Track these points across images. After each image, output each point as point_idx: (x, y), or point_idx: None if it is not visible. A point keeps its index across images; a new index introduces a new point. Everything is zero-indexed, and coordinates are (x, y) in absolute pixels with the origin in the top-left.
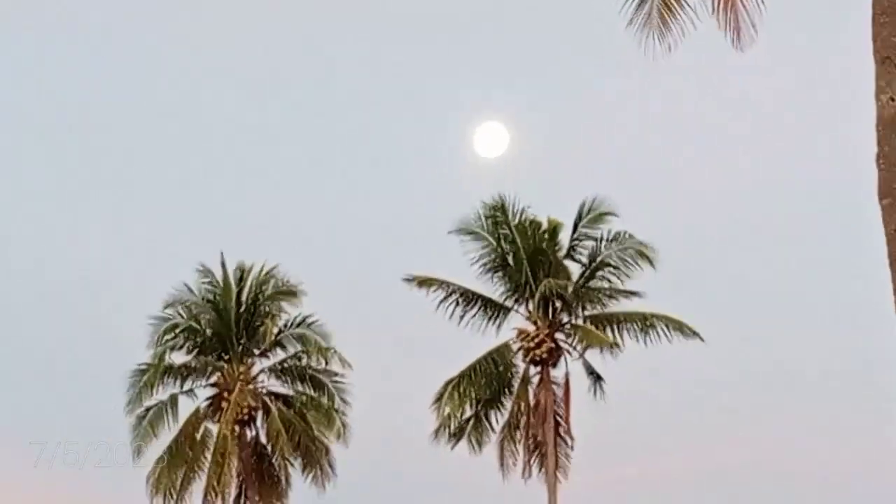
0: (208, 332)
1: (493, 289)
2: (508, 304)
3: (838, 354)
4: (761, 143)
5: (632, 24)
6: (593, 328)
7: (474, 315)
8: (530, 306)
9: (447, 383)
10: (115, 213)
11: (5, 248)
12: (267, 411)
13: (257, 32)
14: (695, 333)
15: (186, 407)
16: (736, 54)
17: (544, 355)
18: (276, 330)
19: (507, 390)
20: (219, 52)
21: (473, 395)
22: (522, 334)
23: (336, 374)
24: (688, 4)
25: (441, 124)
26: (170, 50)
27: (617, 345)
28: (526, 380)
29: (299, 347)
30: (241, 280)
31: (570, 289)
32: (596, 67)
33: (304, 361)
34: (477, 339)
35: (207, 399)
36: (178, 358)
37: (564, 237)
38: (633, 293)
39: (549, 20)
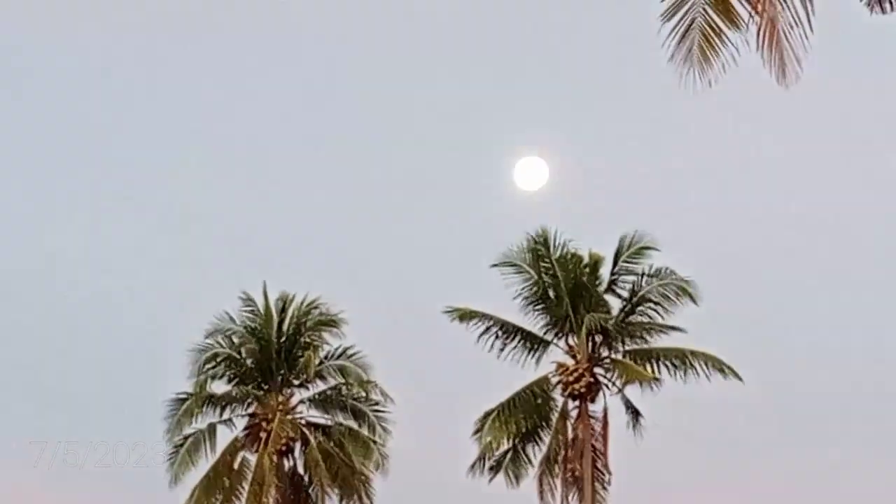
0: (249, 361)
1: (533, 322)
2: (548, 337)
3: (882, 395)
4: (806, 171)
5: (673, 59)
6: (633, 363)
7: (514, 348)
8: (570, 340)
9: (486, 414)
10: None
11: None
12: (305, 442)
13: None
14: (734, 373)
15: (224, 436)
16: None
17: (583, 390)
18: (317, 361)
19: (545, 424)
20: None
21: (512, 428)
22: (562, 368)
23: (376, 404)
24: (730, 41)
25: (483, 157)
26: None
27: (657, 380)
28: (564, 414)
29: (340, 378)
30: (283, 310)
31: (611, 323)
32: (637, 101)
33: (345, 392)
34: (516, 373)
35: (245, 429)
36: (218, 387)
37: (605, 271)
38: (674, 328)
39: (589, 56)
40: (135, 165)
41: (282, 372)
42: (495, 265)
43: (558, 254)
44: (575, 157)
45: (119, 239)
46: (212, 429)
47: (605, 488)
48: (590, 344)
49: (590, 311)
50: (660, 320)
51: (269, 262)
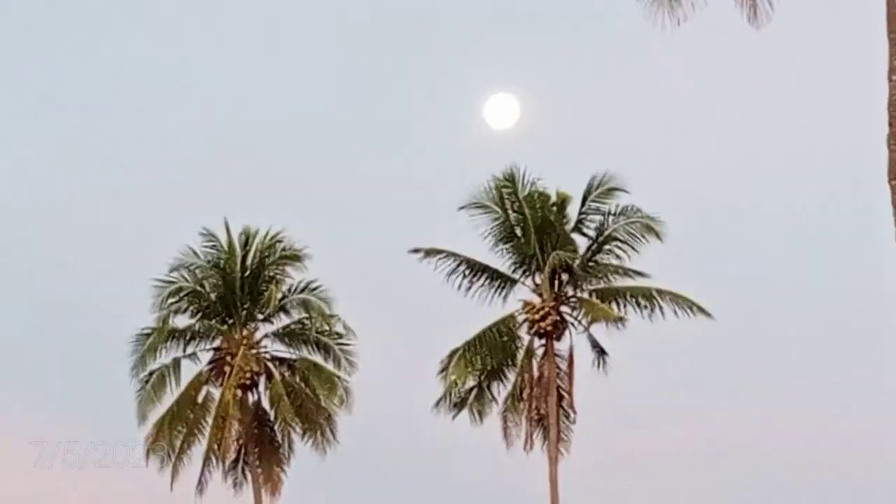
0: (212, 296)
1: (501, 261)
2: (515, 275)
3: (848, 334)
4: (776, 120)
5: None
6: (599, 302)
7: (481, 286)
8: (537, 279)
9: (452, 353)
10: (109, 182)
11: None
12: (269, 376)
13: None
14: (702, 310)
15: (189, 371)
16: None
17: (549, 328)
18: (280, 295)
19: (510, 362)
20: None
21: (477, 366)
22: (528, 306)
23: (340, 338)
24: None
25: (452, 95)
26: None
27: (623, 319)
28: (530, 352)
29: (303, 313)
30: (246, 244)
31: (578, 262)
32: (609, 42)
33: (309, 326)
34: (482, 311)
35: (210, 363)
36: (182, 322)
37: (573, 211)
38: (639, 273)
39: None
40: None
41: (245, 306)
42: (462, 207)
43: (525, 192)
44: (546, 95)
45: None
46: (176, 363)
47: (570, 427)
48: (556, 282)
49: (556, 250)
50: (626, 259)
51: (233, 199)
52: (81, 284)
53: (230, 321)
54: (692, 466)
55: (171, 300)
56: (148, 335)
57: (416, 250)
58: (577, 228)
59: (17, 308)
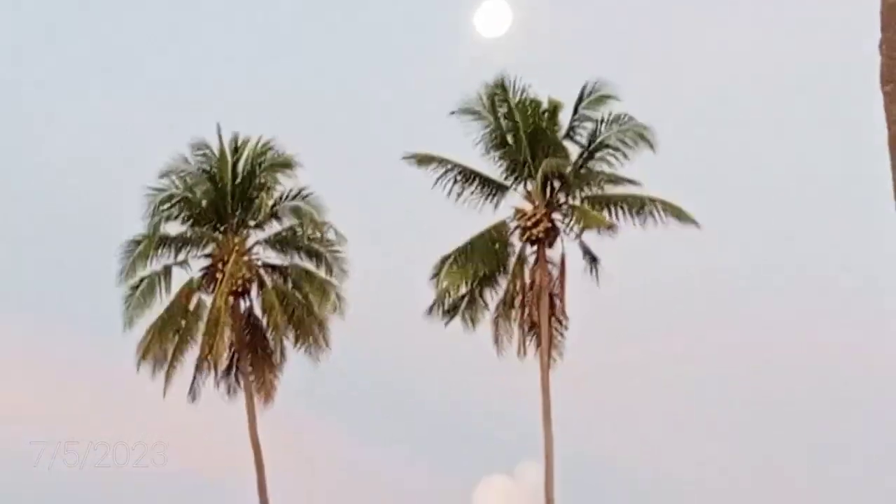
0: (203, 202)
1: (493, 169)
2: (507, 183)
3: (839, 242)
4: (768, 22)
5: None
6: (591, 209)
7: (472, 193)
8: (528, 186)
9: (443, 259)
10: (102, 87)
11: None
12: (261, 283)
13: None
14: (691, 219)
15: (180, 279)
16: None
17: (541, 235)
18: (271, 202)
19: (502, 269)
20: None
21: (469, 273)
22: (520, 213)
23: (332, 244)
24: None
25: (443, 3)
26: None
27: (613, 226)
28: (522, 259)
29: (295, 220)
30: (236, 152)
31: (569, 169)
32: None
33: (300, 233)
34: (474, 218)
35: (202, 270)
36: (173, 229)
37: (565, 118)
38: (631, 181)
39: None
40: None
41: (237, 213)
42: (454, 112)
43: (517, 99)
44: (538, 2)
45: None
46: (167, 271)
47: (562, 334)
48: (548, 189)
49: (548, 157)
50: (618, 167)
51: (226, 108)
52: (72, 193)
53: (221, 228)
54: (684, 372)
55: (161, 207)
56: (138, 242)
57: (409, 157)
58: (569, 136)
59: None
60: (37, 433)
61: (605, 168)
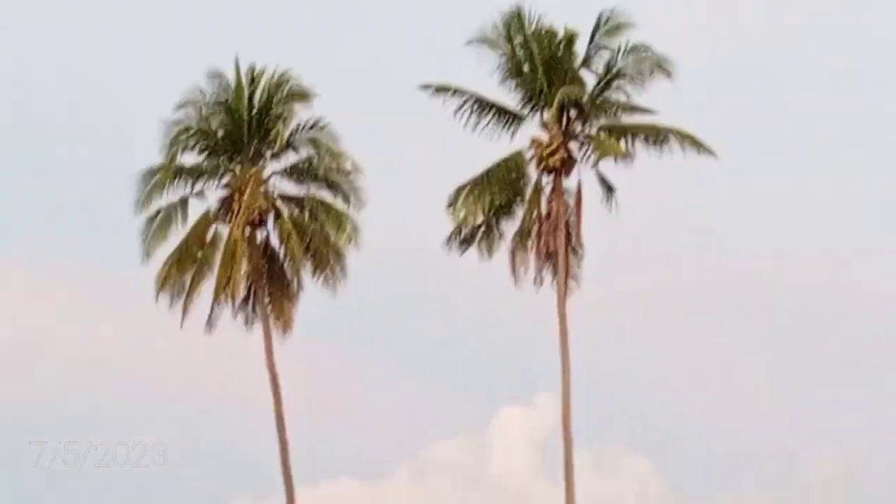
0: (220, 133)
1: (509, 98)
2: (523, 112)
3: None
4: None
5: None
6: (607, 138)
7: (488, 123)
8: (545, 115)
9: (459, 189)
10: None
11: None
12: (278, 214)
13: None
14: (708, 149)
15: (197, 211)
16: None
17: (557, 164)
18: (287, 132)
19: (519, 198)
20: None
21: (486, 202)
22: (536, 143)
23: (349, 174)
24: None
25: None
26: None
27: (629, 155)
28: (538, 188)
29: (311, 150)
30: (253, 82)
31: (586, 98)
32: None
33: (317, 163)
34: (490, 148)
35: (218, 201)
36: (189, 160)
37: (581, 47)
38: (647, 111)
39: None
40: None
41: (253, 144)
42: (469, 42)
43: (532, 28)
44: None
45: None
46: (183, 202)
47: (578, 263)
48: (564, 119)
49: (564, 86)
50: (634, 96)
51: (242, 38)
52: (85, 126)
53: (238, 159)
54: (701, 301)
55: (178, 138)
56: (154, 173)
57: (426, 87)
58: (586, 65)
59: (19, 148)
60: (62, 362)
61: (622, 98)
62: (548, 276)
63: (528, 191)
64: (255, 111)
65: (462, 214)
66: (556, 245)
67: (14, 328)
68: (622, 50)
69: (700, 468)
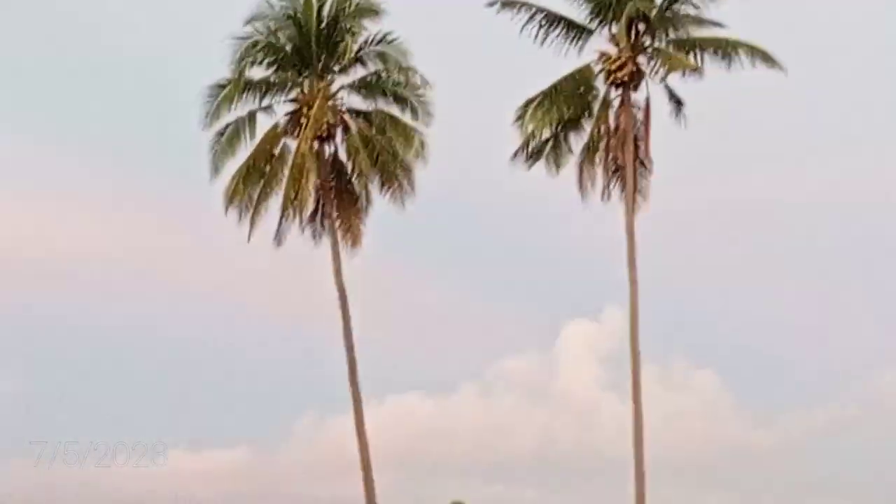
0: (288, 47)
1: (578, 12)
2: (591, 26)
3: None
4: None
5: None
6: (675, 52)
7: (556, 37)
8: (613, 29)
9: (527, 102)
10: None
11: None
12: (346, 128)
13: None
14: (777, 64)
15: (265, 125)
16: None
17: (625, 78)
18: (356, 47)
19: (587, 113)
20: None
21: (554, 116)
22: (604, 57)
23: (417, 89)
24: None
25: None
26: None
27: (699, 69)
28: (607, 102)
29: (380, 65)
30: None
31: (654, 12)
32: None
33: (385, 78)
34: (558, 63)
35: (286, 115)
36: (258, 74)
37: None
38: (716, 24)
39: None
40: None
41: (322, 58)
42: None
43: None
44: None
45: None
46: (251, 116)
47: (646, 177)
48: (632, 33)
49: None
50: (704, 10)
51: None
52: (153, 44)
53: (306, 73)
54: (766, 218)
55: (246, 52)
56: (223, 87)
57: (493, 3)
58: None
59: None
60: (133, 276)
61: (691, 11)
62: (615, 190)
63: (597, 105)
64: (323, 25)
65: (530, 128)
66: (624, 159)
67: (89, 245)
68: None
69: (766, 384)
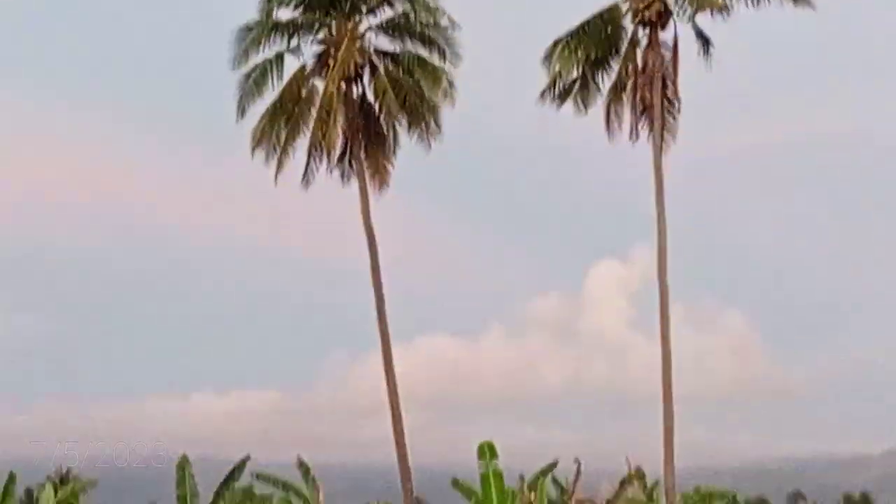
0: None
1: None
2: None
3: None
4: None
5: None
6: None
7: None
8: None
9: (555, 42)
10: None
11: None
12: (374, 69)
13: None
14: (806, 0)
15: (292, 67)
16: None
17: (653, 17)
18: None
19: (615, 52)
20: None
21: (581, 56)
22: None
23: (445, 30)
24: None
25: None
26: None
27: (727, 7)
28: (634, 41)
29: (407, 6)
30: None
31: None
32: None
33: (413, 19)
34: (587, 2)
35: (314, 56)
36: (286, 16)
37: None
38: None
39: None
40: None
41: None
42: None
43: None
44: None
45: None
46: (279, 58)
47: (674, 117)
48: None
49: None
50: None
51: None
52: None
53: (334, 13)
54: (797, 158)
55: None
56: (250, 28)
57: None
58: None
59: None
60: (164, 217)
61: None
62: (644, 130)
63: (624, 44)
64: None
65: (558, 68)
66: (652, 98)
67: (120, 189)
68: None
69: (794, 323)
